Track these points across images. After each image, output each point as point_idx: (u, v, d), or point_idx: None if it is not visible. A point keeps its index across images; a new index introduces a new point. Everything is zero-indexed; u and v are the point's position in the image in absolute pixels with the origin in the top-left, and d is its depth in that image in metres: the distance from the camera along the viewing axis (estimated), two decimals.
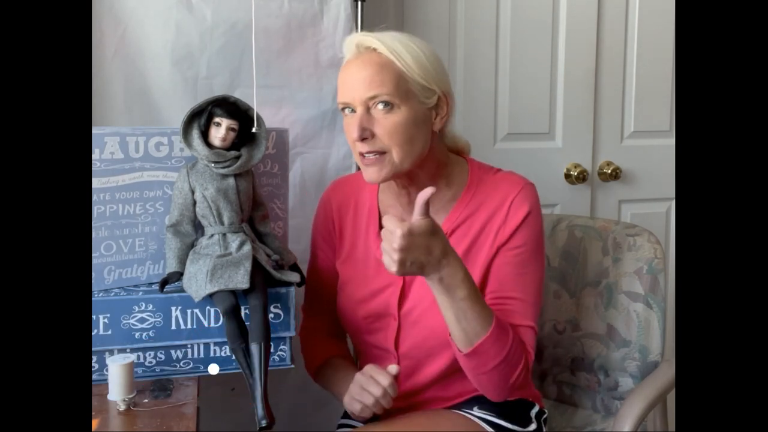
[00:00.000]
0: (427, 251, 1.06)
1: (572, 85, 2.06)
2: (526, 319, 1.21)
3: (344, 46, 1.21)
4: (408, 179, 1.22)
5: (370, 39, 1.17)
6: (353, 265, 1.32)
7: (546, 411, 1.42)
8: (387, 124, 1.15)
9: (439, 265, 1.07)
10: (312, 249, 1.40)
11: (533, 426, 1.35)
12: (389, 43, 1.16)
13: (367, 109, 1.15)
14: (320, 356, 1.36)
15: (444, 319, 1.18)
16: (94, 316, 1.13)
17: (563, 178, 2.09)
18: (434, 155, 1.24)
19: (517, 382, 1.18)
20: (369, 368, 1.20)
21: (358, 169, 1.60)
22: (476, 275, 1.21)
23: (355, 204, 1.34)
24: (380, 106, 1.15)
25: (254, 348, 1.11)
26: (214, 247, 1.16)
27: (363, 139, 1.14)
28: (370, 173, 1.17)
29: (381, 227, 1.26)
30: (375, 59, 1.16)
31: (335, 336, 1.41)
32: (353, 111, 1.17)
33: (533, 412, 1.37)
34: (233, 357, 1.14)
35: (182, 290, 1.17)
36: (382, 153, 1.16)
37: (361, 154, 1.17)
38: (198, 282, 1.13)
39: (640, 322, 1.48)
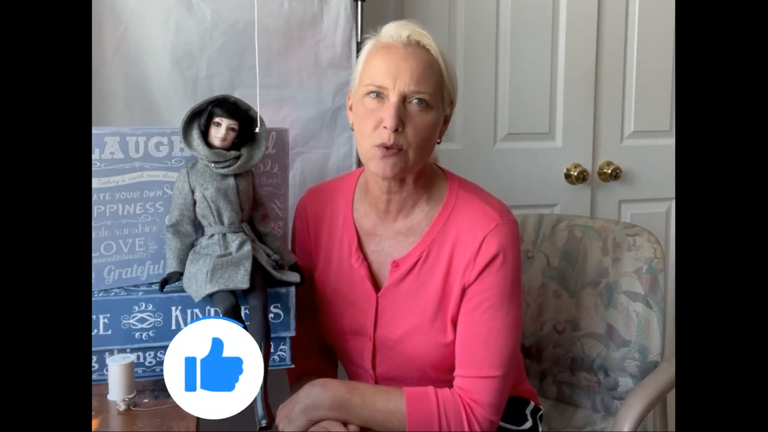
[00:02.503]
0: None
1: (572, 85, 2.06)
2: (491, 367, 1.17)
3: (387, 30, 1.18)
4: (399, 184, 1.20)
5: (425, 36, 1.16)
6: (329, 276, 1.29)
7: (542, 408, 1.42)
8: (419, 121, 1.14)
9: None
10: None
11: (529, 424, 1.35)
12: (437, 47, 1.17)
13: (403, 101, 1.13)
14: (297, 370, 1.29)
15: (419, 347, 1.20)
16: (94, 316, 1.13)
17: (563, 178, 2.09)
18: (426, 166, 1.23)
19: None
20: (327, 425, 1.16)
21: (359, 165, 1.61)
22: (453, 304, 1.20)
23: (331, 213, 1.31)
24: (416, 104, 1.14)
25: None
26: (214, 247, 1.16)
27: (395, 130, 1.12)
28: (386, 166, 1.14)
29: (358, 239, 1.26)
30: (425, 56, 1.15)
31: (320, 349, 1.37)
32: (380, 96, 1.14)
33: (528, 409, 1.37)
34: None
35: (182, 290, 1.16)
36: (401, 149, 1.13)
37: (383, 146, 1.13)
38: (198, 282, 1.13)
39: (640, 322, 1.48)
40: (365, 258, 1.26)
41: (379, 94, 1.14)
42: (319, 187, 1.38)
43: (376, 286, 1.25)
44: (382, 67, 1.14)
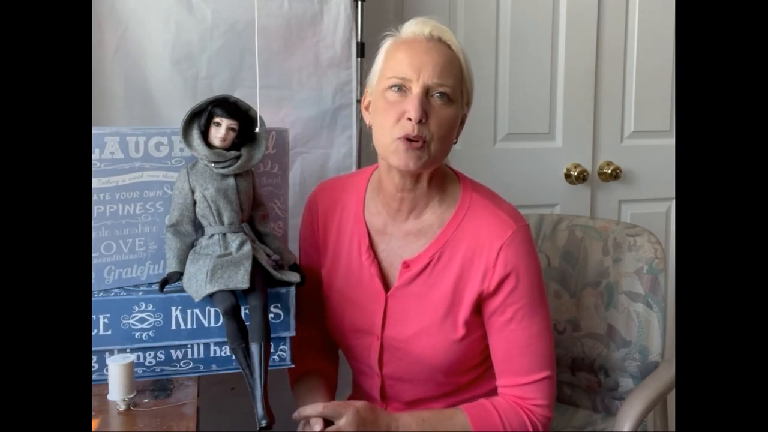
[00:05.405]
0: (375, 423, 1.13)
1: (572, 85, 2.06)
2: (539, 370, 1.21)
3: (408, 26, 1.19)
4: (414, 182, 1.19)
5: (447, 33, 1.18)
6: (337, 273, 1.28)
7: None
8: (442, 114, 1.13)
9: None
10: (300, 254, 1.37)
11: None
12: (458, 44, 1.18)
13: (426, 94, 1.13)
14: (298, 369, 1.28)
15: (428, 349, 1.20)
16: (94, 316, 1.13)
17: (563, 178, 2.09)
18: (440, 167, 1.22)
19: None
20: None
21: (359, 165, 1.61)
22: (465, 307, 1.19)
23: (342, 209, 1.29)
24: (438, 97, 1.13)
25: (254, 348, 1.11)
26: (214, 247, 1.16)
27: (419, 122, 1.11)
28: (408, 159, 1.12)
29: (369, 237, 1.25)
30: (447, 52, 1.16)
31: (322, 348, 1.37)
32: (402, 90, 1.13)
33: None
34: (233, 357, 1.14)
35: (182, 290, 1.16)
36: (424, 141, 1.12)
37: (406, 138, 1.11)
38: (198, 282, 1.13)
39: (641, 323, 1.48)
40: (375, 257, 1.25)
41: (401, 87, 1.13)
42: (330, 182, 1.37)
43: (386, 285, 1.24)
44: (405, 60, 1.14)
